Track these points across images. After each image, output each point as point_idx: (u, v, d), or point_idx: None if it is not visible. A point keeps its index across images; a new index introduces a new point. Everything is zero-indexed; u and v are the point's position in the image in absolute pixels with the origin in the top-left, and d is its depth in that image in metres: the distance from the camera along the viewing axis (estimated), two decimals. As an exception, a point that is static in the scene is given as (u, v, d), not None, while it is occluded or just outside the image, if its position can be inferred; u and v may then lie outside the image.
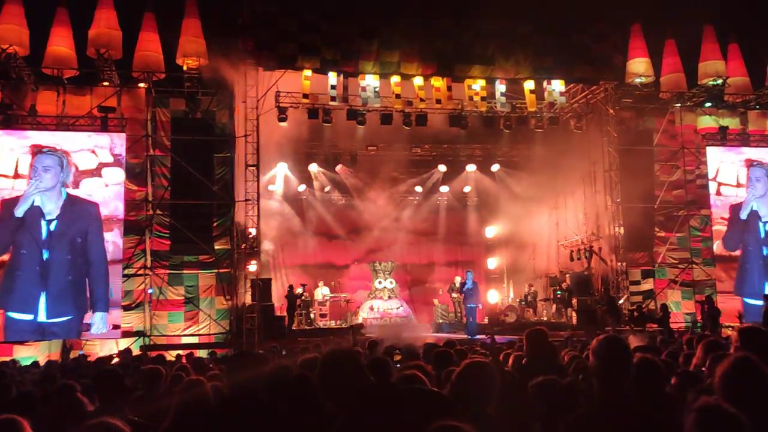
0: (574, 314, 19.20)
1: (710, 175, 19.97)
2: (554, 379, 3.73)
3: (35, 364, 12.34)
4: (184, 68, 17.44)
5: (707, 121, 20.49)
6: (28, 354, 15.35)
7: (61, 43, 16.79)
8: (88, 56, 16.85)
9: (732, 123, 20.53)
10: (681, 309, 19.43)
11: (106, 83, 17.41)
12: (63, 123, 16.87)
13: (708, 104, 20.59)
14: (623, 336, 6.33)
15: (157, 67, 17.28)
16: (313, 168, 22.02)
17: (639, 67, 19.47)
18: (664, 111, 20.18)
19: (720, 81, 19.80)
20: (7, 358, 13.41)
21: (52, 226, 16.13)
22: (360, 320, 19.91)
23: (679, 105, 20.26)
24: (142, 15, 17.39)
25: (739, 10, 19.71)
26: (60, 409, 4.40)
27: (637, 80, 19.52)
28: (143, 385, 5.45)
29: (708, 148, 20.17)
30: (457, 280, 20.33)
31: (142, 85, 17.41)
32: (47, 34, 16.74)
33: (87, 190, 16.56)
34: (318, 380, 3.08)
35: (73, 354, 15.24)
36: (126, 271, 16.76)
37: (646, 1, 19.24)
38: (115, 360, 12.24)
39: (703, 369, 4.36)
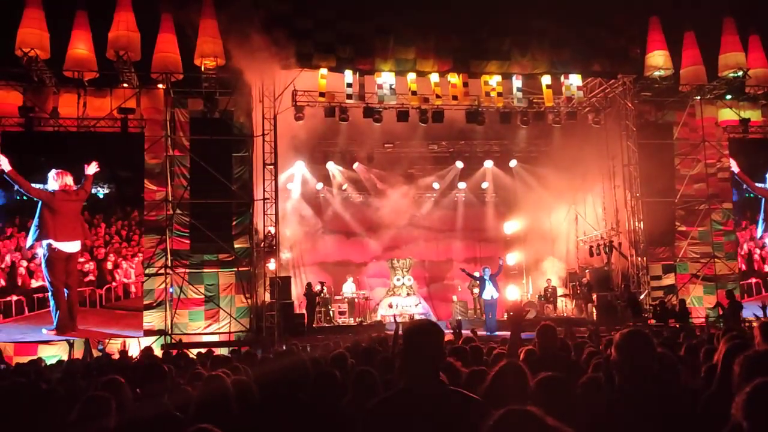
0: (594, 309, 19.08)
1: (732, 168, 19.79)
2: (557, 377, 3.73)
3: (60, 363, 12.50)
4: (202, 69, 17.54)
5: (728, 114, 20.26)
6: (52, 353, 15.57)
7: (81, 46, 16.96)
8: (107, 58, 17.00)
9: (753, 115, 20.27)
10: (703, 304, 19.23)
11: (125, 85, 17.58)
12: (84, 125, 17.08)
13: (729, 96, 20.34)
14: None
15: (175, 68, 17.40)
16: (331, 166, 22.10)
17: (658, 59, 19.26)
18: (684, 104, 19.97)
19: (740, 73, 19.53)
20: (26, 358, 13.59)
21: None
22: (379, 317, 19.94)
23: (699, 98, 20.03)
24: (160, 16, 17.52)
25: (760, 1, 19.44)
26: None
27: (656, 73, 19.31)
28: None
29: (729, 141, 19.97)
30: (476, 273, 20.24)
31: (160, 86, 17.55)
32: (68, 37, 16.91)
33: None
34: (405, 344, 3.11)
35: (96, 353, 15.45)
36: (147, 271, 16.97)
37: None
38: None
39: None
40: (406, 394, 3.00)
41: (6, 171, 16.39)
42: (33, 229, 16.47)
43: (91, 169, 16.86)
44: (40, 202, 16.63)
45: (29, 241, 16.48)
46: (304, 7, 17.27)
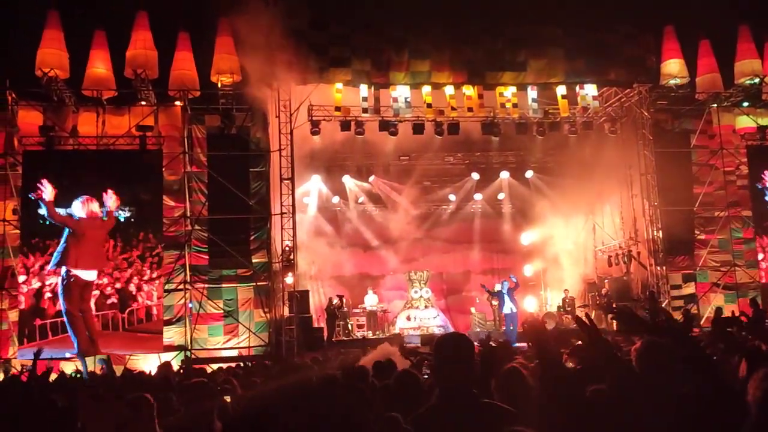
0: (614, 320, 18.90)
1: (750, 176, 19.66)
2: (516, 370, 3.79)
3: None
4: (219, 85, 17.72)
5: (745, 121, 20.14)
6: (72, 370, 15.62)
7: (99, 65, 17.20)
8: (125, 77, 17.23)
9: (771, 122, 20.14)
10: (724, 313, 18.99)
11: (143, 102, 17.77)
12: (103, 143, 17.27)
13: (746, 104, 20.22)
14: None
15: (193, 85, 17.57)
16: (347, 180, 22.16)
17: (673, 68, 19.23)
18: (700, 112, 19.87)
19: (757, 80, 19.45)
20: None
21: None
22: (397, 330, 19.89)
23: (716, 105, 19.93)
24: (177, 35, 17.73)
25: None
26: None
27: (672, 82, 19.27)
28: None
29: (747, 148, 19.84)
30: (497, 287, 20.18)
31: (178, 103, 17.73)
32: (86, 56, 17.16)
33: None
34: (437, 354, 3.17)
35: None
36: (166, 286, 17.05)
37: (679, 2, 19.05)
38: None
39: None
40: (440, 409, 3.01)
41: (47, 200, 16.55)
42: (56, 254, 16.56)
43: (110, 200, 16.89)
44: (66, 228, 16.75)
45: (50, 265, 16.55)
46: (319, 22, 17.41)
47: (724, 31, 19.80)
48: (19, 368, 15.16)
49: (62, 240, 16.62)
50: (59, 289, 16.51)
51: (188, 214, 17.44)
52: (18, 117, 17.24)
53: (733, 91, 19.69)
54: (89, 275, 16.73)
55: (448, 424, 2.95)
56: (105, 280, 16.86)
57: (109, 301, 16.84)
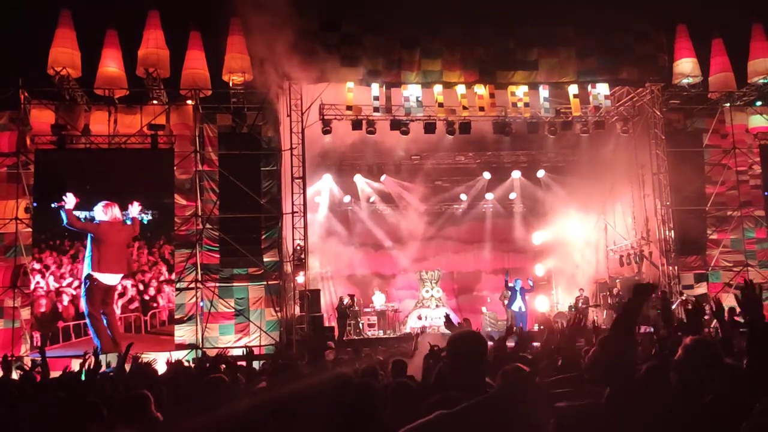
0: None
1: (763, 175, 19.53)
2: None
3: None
4: (230, 84, 17.75)
5: (759, 120, 19.99)
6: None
7: (111, 64, 17.26)
8: (137, 76, 17.29)
9: (785, 121, 19.99)
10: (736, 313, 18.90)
11: (155, 101, 17.82)
12: (115, 142, 17.32)
13: (759, 103, 20.09)
14: None
15: (204, 85, 17.60)
16: (358, 179, 22.16)
17: (686, 67, 19.12)
18: (713, 111, 19.75)
19: (770, 79, 19.31)
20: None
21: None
22: (408, 329, 19.87)
23: (729, 105, 19.80)
24: (189, 34, 17.76)
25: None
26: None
27: (685, 81, 19.16)
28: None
29: (761, 148, 19.70)
30: (510, 284, 20.13)
31: (189, 102, 17.74)
32: (98, 55, 17.22)
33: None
34: (450, 355, 3.17)
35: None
36: (178, 285, 17.08)
37: (691, 0, 18.95)
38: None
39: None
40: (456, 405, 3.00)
41: (68, 208, 16.55)
42: (86, 258, 16.64)
43: (134, 210, 16.95)
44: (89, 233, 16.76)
45: (84, 272, 16.61)
46: (331, 22, 17.42)
47: (736, 30, 19.71)
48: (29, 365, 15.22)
49: (89, 244, 16.68)
50: (82, 291, 16.56)
51: (199, 212, 17.47)
52: (30, 116, 17.28)
53: (746, 90, 19.58)
54: (111, 279, 16.78)
55: (465, 421, 2.93)
56: (129, 283, 16.87)
57: (132, 305, 16.85)
